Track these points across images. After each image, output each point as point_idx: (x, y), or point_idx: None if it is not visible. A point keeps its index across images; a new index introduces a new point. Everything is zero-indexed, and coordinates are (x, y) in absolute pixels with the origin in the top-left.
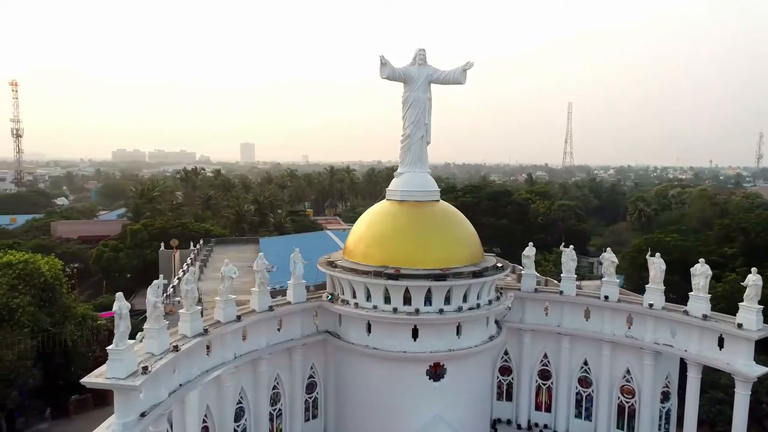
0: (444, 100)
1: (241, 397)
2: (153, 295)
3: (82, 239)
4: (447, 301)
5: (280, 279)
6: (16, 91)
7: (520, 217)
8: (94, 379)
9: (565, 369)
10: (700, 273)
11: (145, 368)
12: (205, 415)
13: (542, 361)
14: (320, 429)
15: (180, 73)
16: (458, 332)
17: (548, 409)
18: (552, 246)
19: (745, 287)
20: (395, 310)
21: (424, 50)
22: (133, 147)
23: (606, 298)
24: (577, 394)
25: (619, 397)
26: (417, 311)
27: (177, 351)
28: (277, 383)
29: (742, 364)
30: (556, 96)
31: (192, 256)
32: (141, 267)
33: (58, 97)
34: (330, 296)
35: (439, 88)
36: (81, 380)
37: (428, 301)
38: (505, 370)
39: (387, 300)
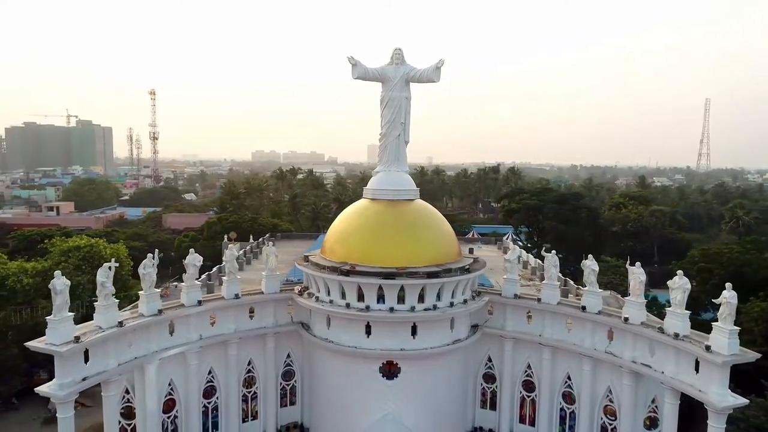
0: (570, 100)
1: (212, 377)
2: (102, 276)
3: (186, 230)
4: (401, 300)
5: None
6: (154, 99)
7: (591, 222)
8: (36, 343)
9: (547, 382)
10: (678, 287)
11: (77, 338)
12: (171, 389)
13: (526, 371)
14: (297, 415)
15: (313, 76)
16: (413, 332)
17: (533, 423)
18: (641, 255)
19: None
20: (348, 305)
21: (400, 49)
22: (270, 148)
23: (583, 308)
24: (561, 410)
25: (602, 418)
26: (368, 308)
27: (121, 326)
28: (252, 367)
29: (714, 392)
30: (704, 93)
31: (248, 247)
32: (212, 256)
33: (212, 103)
34: (300, 289)
35: (565, 91)
36: (26, 343)
37: (381, 298)
38: (490, 378)
39: (343, 295)
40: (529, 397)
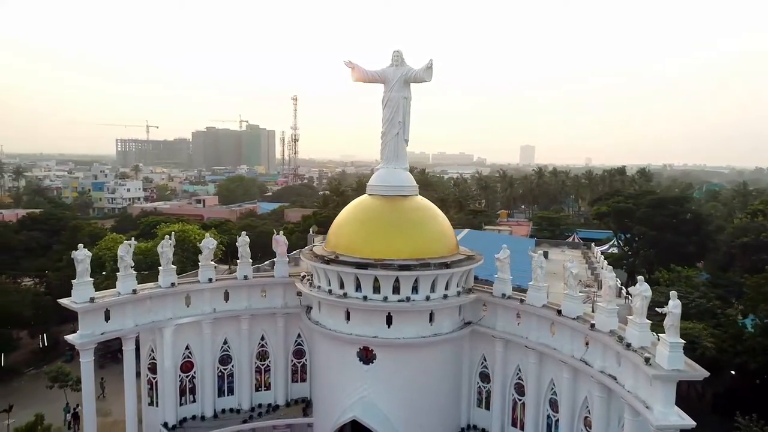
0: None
1: (227, 347)
2: (122, 251)
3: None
4: (377, 290)
5: None
6: (296, 104)
7: (695, 230)
8: (66, 300)
9: (534, 387)
10: (637, 293)
11: (92, 299)
12: (189, 353)
13: (517, 374)
14: (307, 392)
15: (467, 77)
16: (388, 322)
17: (524, 427)
18: None
19: None
20: (330, 291)
21: (399, 51)
22: (420, 150)
23: (559, 312)
24: (548, 417)
25: (581, 430)
26: (345, 295)
27: (135, 294)
28: (265, 343)
29: (657, 409)
30: None
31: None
32: (303, 246)
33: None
34: (304, 275)
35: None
36: (59, 300)
37: (360, 287)
38: (485, 377)
39: (329, 282)
40: (520, 400)
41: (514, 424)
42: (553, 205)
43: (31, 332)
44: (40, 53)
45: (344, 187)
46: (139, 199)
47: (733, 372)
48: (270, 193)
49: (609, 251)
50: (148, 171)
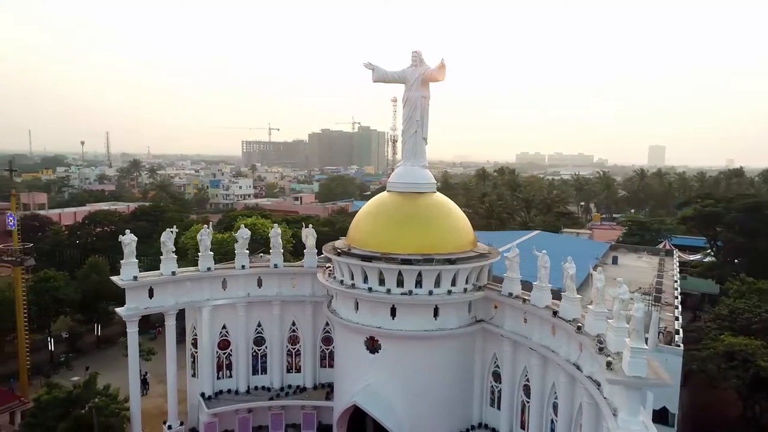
0: None
1: (261, 330)
2: (164, 237)
3: None
4: (382, 282)
5: None
6: (395, 105)
7: None
8: (116, 277)
9: (537, 389)
10: (615, 296)
11: (135, 277)
12: (226, 332)
13: (525, 376)
14: (333, 377)
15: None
16: (393, 313)
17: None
18: None
19: None
20: (341, 282)
21: (419, 52)
22: (535, 150)
23: (555, 313)
24: (552, 421)
25: None
26: (353, 286)
27: (174, 275)
28: (296, 328)
29: (621, 417)
30: None
31: None
32: None
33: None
34: (327, 267)
35: None
36: (111, 277)
37: (366, 279)
38: (498, 377)
39: (342, 274)
40: (528, 402)
41: (522, 427)
42: (662, 208)
43: None
44: (181, 69)
45: None
46: (249, 195)
47: None
48: (369, 192)
49: (705, 260)
50: (264, 170)
